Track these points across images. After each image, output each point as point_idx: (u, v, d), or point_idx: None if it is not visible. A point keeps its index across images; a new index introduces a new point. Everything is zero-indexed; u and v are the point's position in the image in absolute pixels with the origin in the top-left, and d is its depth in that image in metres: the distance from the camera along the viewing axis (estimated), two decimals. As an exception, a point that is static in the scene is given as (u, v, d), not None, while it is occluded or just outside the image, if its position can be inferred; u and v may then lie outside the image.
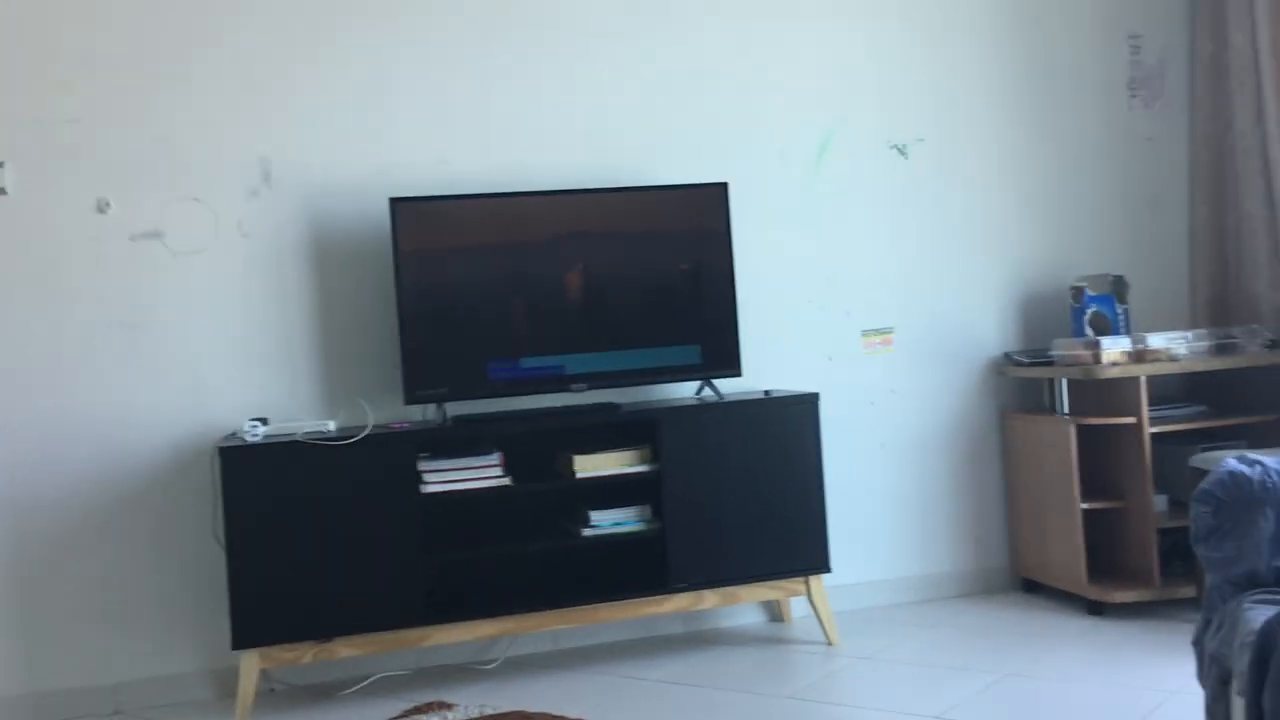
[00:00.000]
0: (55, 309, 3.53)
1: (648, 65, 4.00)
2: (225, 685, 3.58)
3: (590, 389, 3.71)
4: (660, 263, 3.76)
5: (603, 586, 3.61)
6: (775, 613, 4.07)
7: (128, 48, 3.59)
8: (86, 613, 3.53)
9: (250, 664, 3.31)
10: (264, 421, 3.47)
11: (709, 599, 3.66)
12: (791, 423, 3.70)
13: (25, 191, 3.52)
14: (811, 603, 3.74)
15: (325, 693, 3.58)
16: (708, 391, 3.84)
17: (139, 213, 3.60)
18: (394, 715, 3.25)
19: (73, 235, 3.55)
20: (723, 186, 3.81)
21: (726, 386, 3.88)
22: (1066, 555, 3.94)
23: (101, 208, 3.57)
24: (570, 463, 3.56)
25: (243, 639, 3.29)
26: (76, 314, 3.55)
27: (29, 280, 3.52)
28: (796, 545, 3.69)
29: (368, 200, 3.73)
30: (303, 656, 3.36)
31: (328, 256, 3.74)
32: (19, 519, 3.49)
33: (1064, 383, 4.03)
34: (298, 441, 3.34)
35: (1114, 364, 3.85)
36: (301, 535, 3.32)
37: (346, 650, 3.39)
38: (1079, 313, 4.14)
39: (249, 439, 3.38)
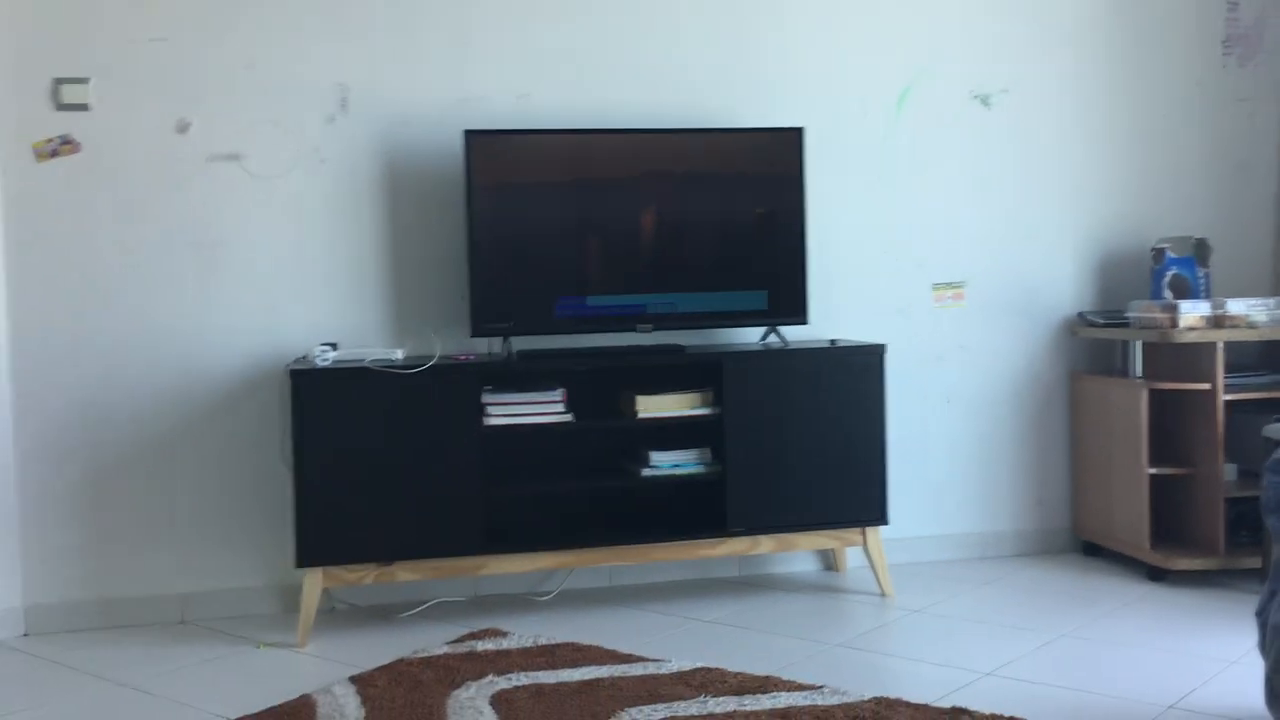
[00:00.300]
0: (132, 226, 3.59)
1: (730, 7, 3.94)
2: (288, 601, 3.67)
3: (656, 330, 3.71)
4: (733, 206, 3.73)
5: (660, 527, 3.63)
6: (830, 562, 4.07)
7: (213, -31, 3.62)
8: (156, 525, 3.63)
9: (313, 582, 3.39)
10: (334, 346, 3.52)
11: (765, 544, 3.67)
12: (856, 373, 3.67)
13: (108, 108, 3.57)
14: (867, 554, 3.73)
15: (384, 614, 3.65)
16: (773, 338, 3.82)
17: (218, 134, 3.64)
18: (450, 639, 3.32)
19: (153, 154, 3.60)
20: (799, 131, 3.76)
21: (793, 334, 3.86)
22: (1130, 519, 3.89)
23: (182, 128, 3.62)
24: (633, 402, 3.57)
25: (307, 558, 3.36)
26: (153, 232, 3.61)
27: (108, 196, 3.58)
28: (855, 496, 3.68)
29: (444, 132, 3.74)
30: (364, 578, 3.42)
31: (402, 186, 3.76)
32: (93, 432, 3.59)
33: (1138, 345, 3.95)
34: (366, 368, 3.38)
35: (1191, 328, 3.77)
36: (366, 460, 3.37)
37: (406, 574, 3.45)
38: (1159, 274, 4.05)
39: (319, 363, 3.43)
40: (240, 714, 2.81)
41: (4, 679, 3.20)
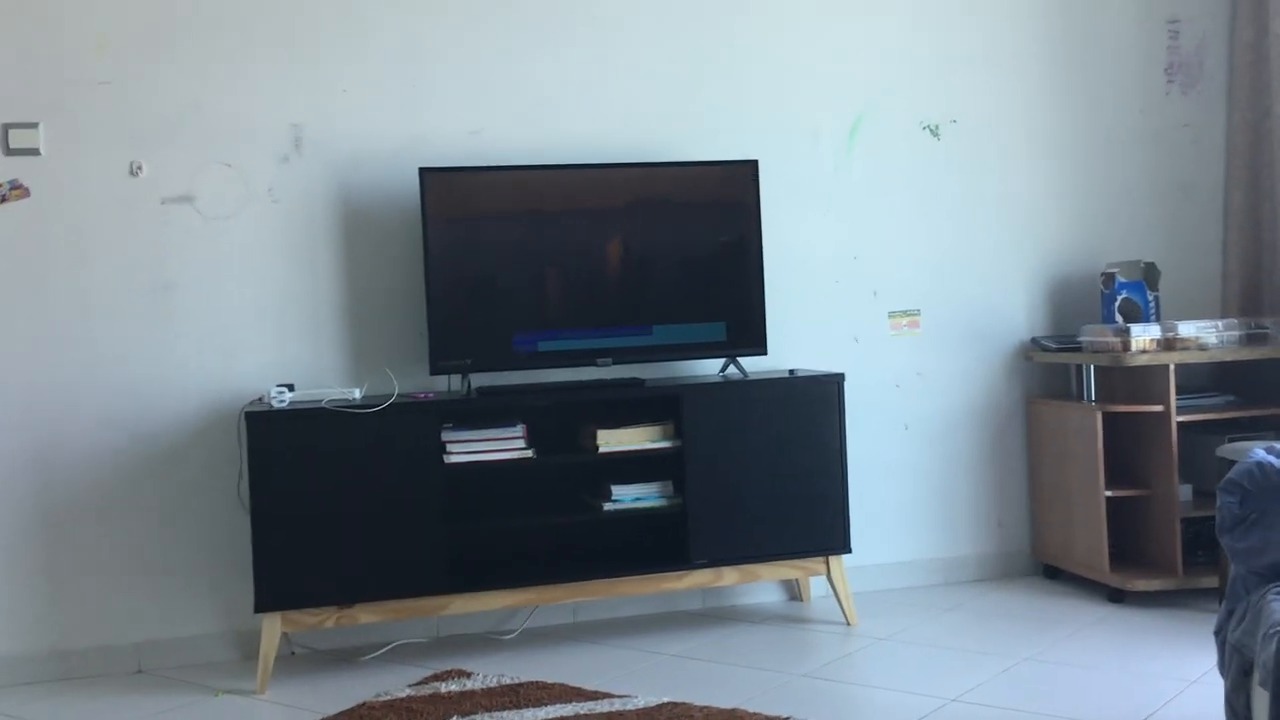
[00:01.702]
0: (85, 271, 3.56)
1: (681, 43, 3.98)
2: (247, 647, 3.62)
3: (615, 364, 3.71)
4: (689, 239, 3.75)
5: (623, 561, 3.62)
6: (794, 592, 4.07)
7: (162, 12, 3.60)
8: (112, 573, 3.57)
9: (272, 627, 3.34)
10: (290, 388, 3.49)
11: (729, 576, 3.66)
12: (816, 402, 3.69)
13: (58, 153, 3.54)
14: (831, 583, 3.74)
15: (346, 657, 3.61)
16: (733, 369, 3.84)
17: (170, 176, 3.62)
18: (413, 681, 3.28)
19: (104, 198, 3.57)
20: (753, 164, 3.80)
21: (752, 365, 3.87)
22: (1089, 542, 3.92)
23: (134, 171, 3.59)
24: (594, 437, 3.57)
25: (265, 602, 3.32)
26: (106, 276, 3.57)
27: (61, 241, 3.54)
28: (818, 525, 3.68)
29: (398, 170, 3.74)
30: (324, 621, 3.39)
31: (357, 225, 3.75)
32: (46, 479, 3.53)
33: (1091, 369, 4.00)
34: (323, 408, 3.36)
35: (1143, 351, 3.82)
36: (325, 501, 3.34)
37: (368, 616, 3.41)
38: (1109, 299, 4.11)
39: (275, 405, 3.40)
40: (200, 764, 2.76)
41: (-44, 735, 3.14)
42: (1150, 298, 4.09)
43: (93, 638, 3.56)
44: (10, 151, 3.50)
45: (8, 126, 3.50)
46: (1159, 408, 3.80)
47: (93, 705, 3.27)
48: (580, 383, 3.69)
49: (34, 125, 3.51)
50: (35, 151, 3.52)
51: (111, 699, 3.32)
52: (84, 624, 3.55)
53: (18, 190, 3.51)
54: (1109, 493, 3.85)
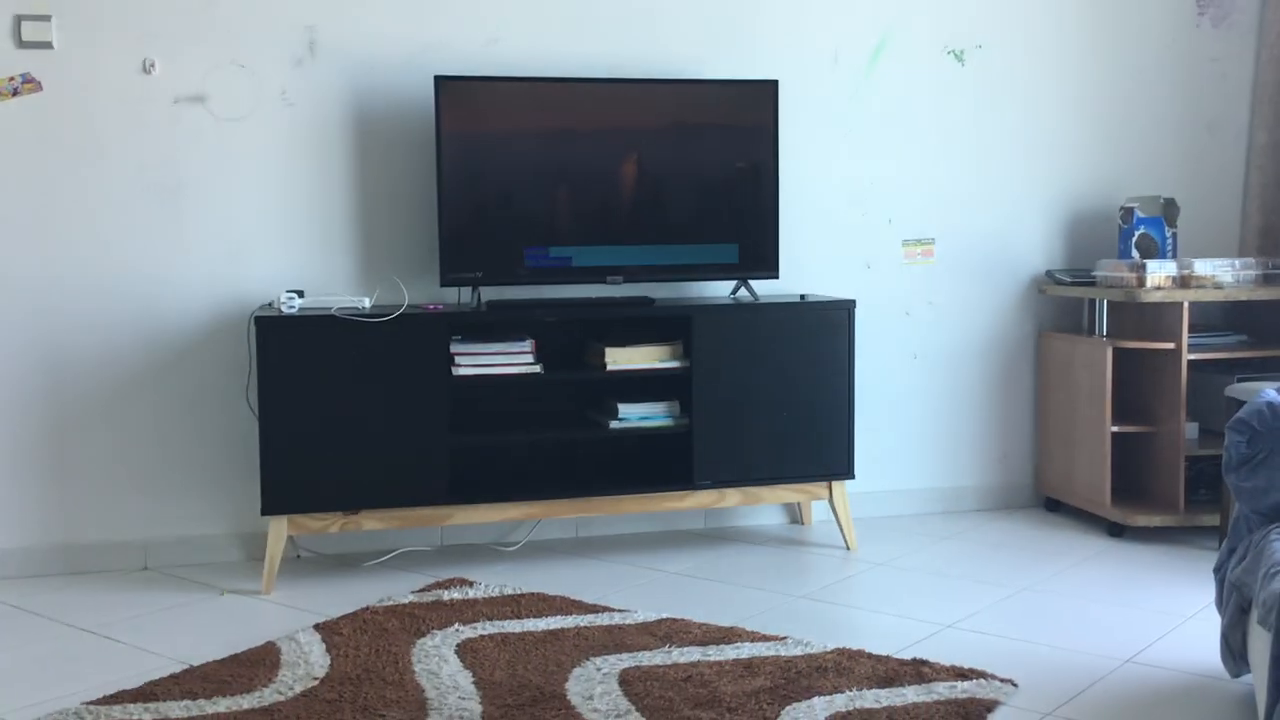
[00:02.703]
0: (95, 168, 3.53)
1: (704, -47, 3.90)
2: (253, 549, 3.66)
3: (626, 282, 3.70)
4: (704, 159, 3.71)
5: (627, 479, 3.64)
6: (796, 515, 4.10)
7: (177, -94, 3.54)
8: (120, 471, 3.60)
9: (278, 530, 3.38)
10: (300, 294, 3.48)
11: (731, 497, 3.68)
12: (825, 328, 3.68)
13: (71, 47, 3.49)
14: (833, 508, 3.76)
15: (350, 562, 3.65)
16: (744, 292, 3.82)
17: (183, 76, 3.58)
18: (416, 589, 3.32)
19: (116, 94, 3.53)
20: (773, 84, 3.74)
21: (763, 288, 3.86)
22: (1092, 476, 3.93)
23: (146, 68, 3.55)
24: (601, 354, 3.57)
25: (272, 505, 3.35)
26: (116, 174, 3.55)
27: (71, 138, 3.51)
28: (822, 450, 3.69)
29: (413, 77, 3.69)
30: (329, 526, 3.42)
31: (370, 131, 3.71)
32: (57, 378, 3.54)
33: (1104, 304, 3.98)
34: (333, 316, 3.35)
35: (1157, 288, 3.80)
36: (333, 409, 3.35)
37: (372, 523, 3.44)
38: (1127, 234, 4.07)
39: (285, 310, 3.39)
40: (203, 660, 2.80)
41: (-35, 624, 3.19)
42: (1168, 234, 4.05)
43: (100, 533, 3.60)
44: (22, 44, 3.46)
45: (20, 18, 3.45)
46: (1170, 345, 3.79)
47: (99, 599, 3.32)
48: (590, 300, 3.68)
49: (47, 18, 3.46)
50: (48, 45, 3.47)
51: (117, 594, 3.37)
52: (92, 520, 3.59)
53: (30, 84, 3.47)
54: (1115, 428, 3.85)
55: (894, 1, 4.06)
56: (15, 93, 3.46)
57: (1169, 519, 3.79)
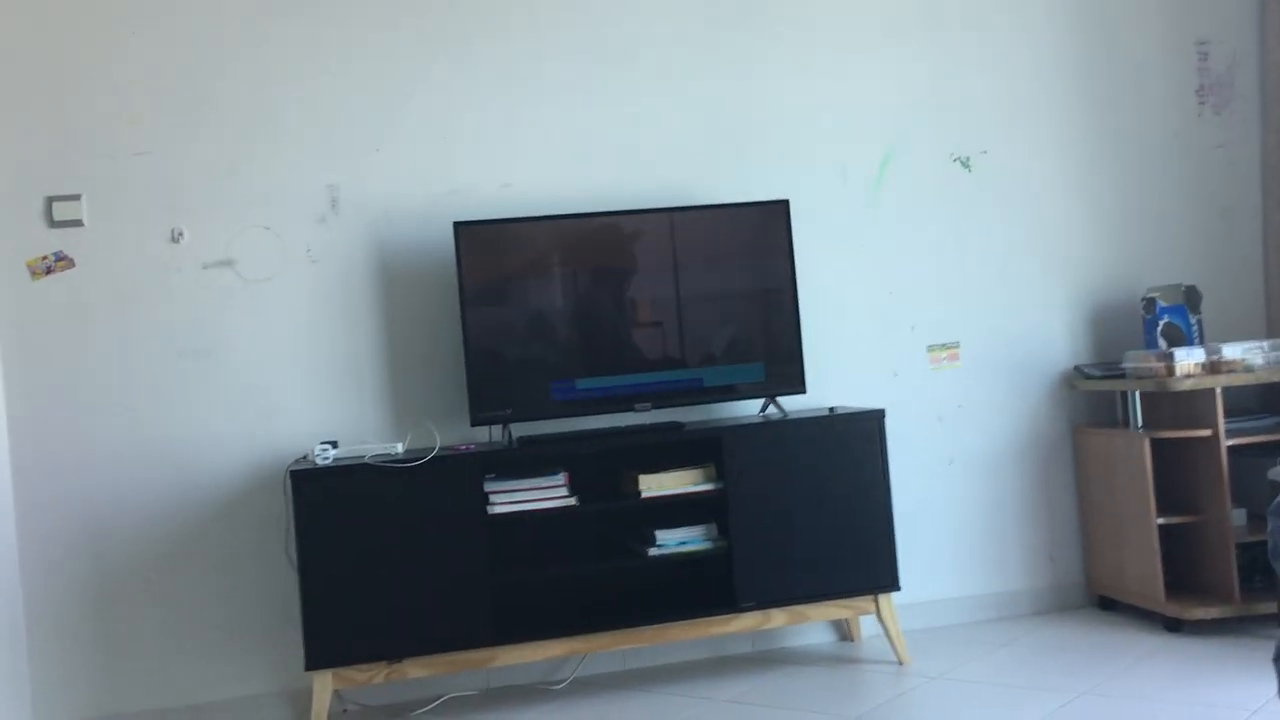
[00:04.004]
0: (129, 337, 3.62)
1: (709, 87, 4.01)
2: (300, 706, 3.63)
3: (654, 408, 3.71)
4: (723, 281, 3.76)
5: (670, 606, 3.61)
6: (845, 632, 4.03)
7: (197, 82, 3.68)
8: (164, 636, 3.60)
9: (323, 685, 3.35)
10: (334, 445, 3.52)
11: (777, 618, 3.64)
12: (858, 439, 3.67)
13: (101, 223, 3.61)
14: (881, 621, 3.70)
15: (397, 713, 3.61)
16: (773, 409, 3.83)
17: (211, 242, 3.68)
18: (464, 735, 3.28)
19: (147, 265, 3.64)
20: (784, 204, 3.81)
21: (791, 404, 3.86)
22: (1143, 571, 3.86)
23: (175, 237, 3.66)
24: (635, 482, 3.57)
25: (315, 660, 3.33)
26: (150, 342, 3.63)
27: (104, 310, 3.61)
28: (865, 563, 3.65)
29: (433, 224, 3.78)
30: (375, 677, 3.39)
31: (394, 280, 3.79)
32: (96, 545, 3.58)
33: (1137, 395, 3.95)
34: (367, 464, 3.38)
35: (1188, 375, 3.78)
36: (372, 557, 3.36)
37: (417, 671, 3.42)
38: (1151, 324, 4.06)
39: (319, 462, 3.43)
40: (254, 824, 2.76)
41: (15, 802, 3.16)
42: (1193, 321, 4.04)
43: (148, 702, 3.58)
44: (54, 224, 3.58)
45: (51, 200, 3.58)
46: (1207, 432, 3.75)
47: (148, 768, 3.29)
48: (620, 429, 3.69)
49: (76, 197, 3.59)
50: (79, 223, 3.59)
51: (166, 761, 3.34)
52: (139, 689, 3.58)
53: (63, 261, 3.58)
54: (1161, 520, 3.79)
55: (895, 116, 4.15)
56: (49, 271, 3.57)
57: (1225, 610, 3.70)
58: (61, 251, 3.59)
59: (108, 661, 3.57)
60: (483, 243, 3.63)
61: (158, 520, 3.61)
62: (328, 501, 3.35)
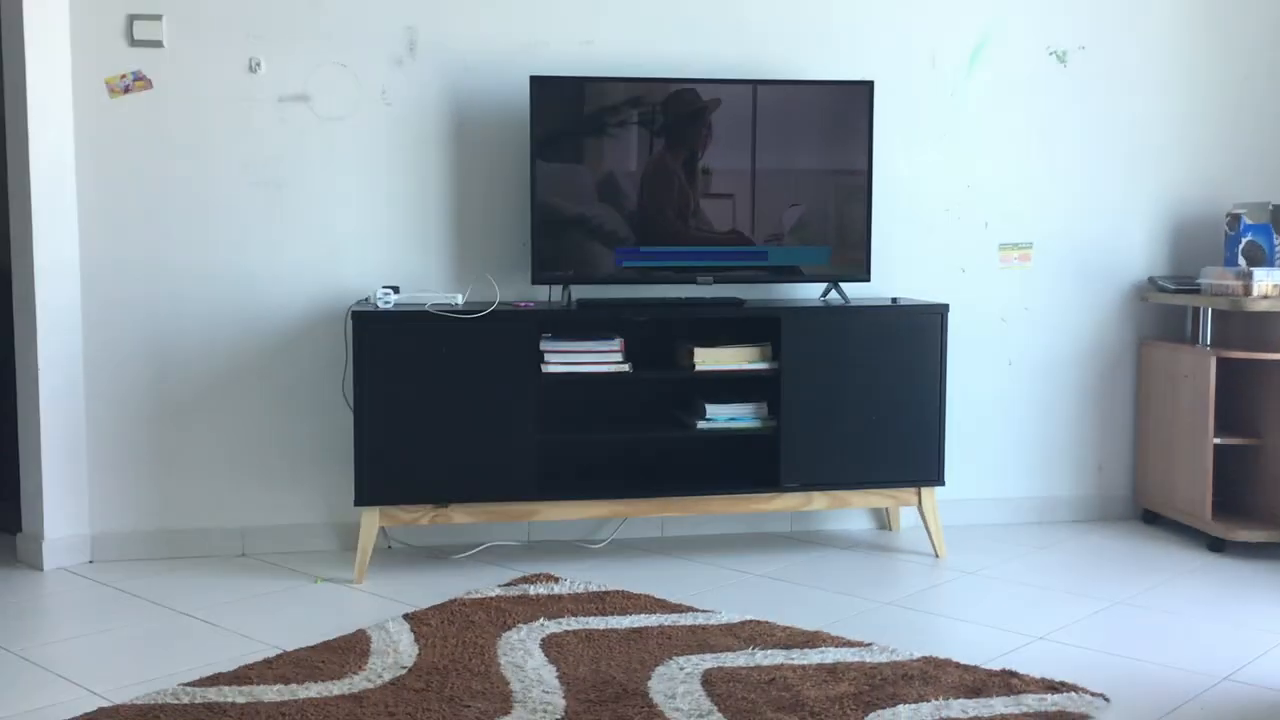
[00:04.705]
0: (202, 164, 3.64)
1: (801, -46, 3.88)
2: (346, 539, 3.73)
3: (716, 283, 3.69)
4: (798, 160, 3.70)
5: (714, 479, 3.64)
6: (884, 521, 4.06)
7: (285, -91, 3.62)
8: (220, 459, 3.70)
9: (370, 521, 3.44)
10: (396, 290, 3.54)
11: (818, 500, 3.66)
12: (918, 333, 3.64)
13: (180, 46, 3.60)
14: (921, 514, 3.72)
15: (439, 554, 3.70)
16: (835, 294, 3.79)
17: (288, 75, 3.66)
18: (503, 582, 3.36)
19: (223, 92, 3.63)
20: (868, 85, 3.71)
21: (854, 291, 3.82)
22: (1192, 489, 3.83)
23: (253, 67, 3.64)
24: (690, 354, 3.57)
25: (365, 497, 3.41)
26: (222, 170, 3.65)
27: (179, 134, 3.62)
28: (911, 456, 3.65)
29: (510, 76, 3.73)
30: (420, 518, 3.47)
31: (467, 131, 3.76)
32: (161, 366, 3.65)
33: (1209, 312, 3.87)
34: (427, 312, 3.41)
35: (1265, 296, 3.68)
36: (425, 403, 3.40)
37: (461, 517, 3.49)
38: (1233, 241, 3.96)
39: (380, 306, 3.46)
40: (296, 645, 2.86)
41: (70, 604, 3.30)
42: (1276, 241, 3.93)
43: (200, 520, 3.70)
44: (135, 42, 3.57)
45: (133, 17, 3.56)
46: (1277, 356, 3.67)
47: (197, 583, 3.42)
48: (680, 300, 3.68)
49: (158, 17, 3.57)
50: (159, 44, 3.58)
51: (215, 579, 3.46)
52: (192, 507, 3.69)
53: (141, 81, 3.58)
54: (1218, 440, 3.75)
55: (993, 2, 4.00)
56: (127, 89, 3.58)
57: (1272, 534, 3.68)
58: (140, 71, 3.58)
59: (164, 479, 3.67)
60: (559, 100, 3.58)
61: (219, 345, 3.67)
62: (386, 345, 3.39)
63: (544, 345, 3.49)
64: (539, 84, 3.55)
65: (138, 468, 3.66)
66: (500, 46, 3.74)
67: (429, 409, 3.41)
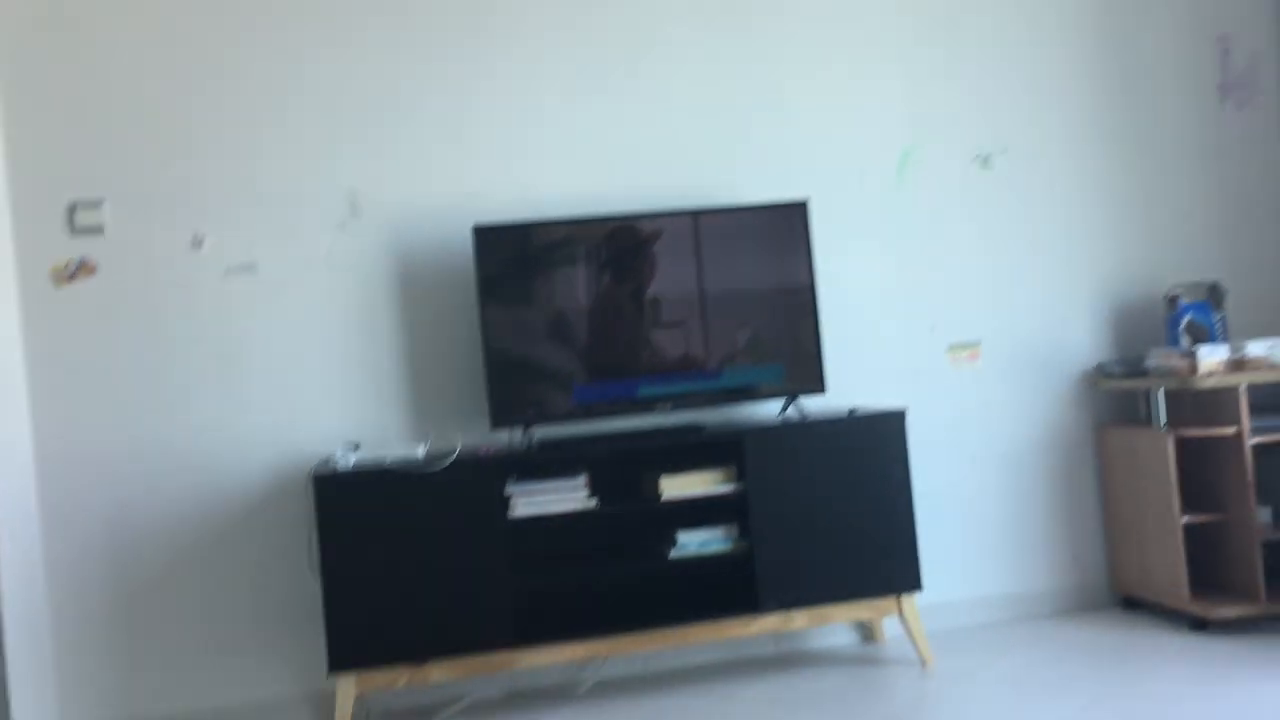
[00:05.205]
0: (152, 342, 3.64)
1: (727, 86, 4.00)
2: (323, 709, 3.64)
3: (675, 409, 3.71)
4: (742, 282, 3.76)
5: (692, 608, 3.60)
6: (867, 632, 4.02)
7: (218, 87, 3.70)
8: (188, 638, 3.62)
9: (346, 688, 3.36)
10: (356, 448, 3.53)
11: (799, 619, 3.63)
12: (879, 440, 3.66)
13: (123, 229, 3.64)
14: (904, 622, 3.69)
15: (421, 715, 3.62)
16: (793, 410, 3.82)
17: (232, 246, 3.70)
18: (487, 738, 3.28)
19: (169, 270, 3.66)
20: (803, 204, 3.80)
21: (812, 404, 3.85)
22: (1167, 570, 3.84)
23: (196, 243, 3.68)
24: (656, 484, 3.56)
25: (338, 663, 3.34)
26: (173, 347, 3.65)
27: (127, 315, 3.63)
28: (887, 563, 3.64)
29: (452, 228, 3.79)
30: (397, 680, 3.40)
31: (414, 284, 3.80)
32: (122, 548, 3.60)
33: (1160, 393, 3.93)
34: (388, 468, 3.39)
35: (1212, 373, 3.75)
36: (394, 560, 3.37)
37: (440, 673, 3.42)
38: (1174, 321, 4.04)
39: (341, 465, 3.44)
40: (279, 827, 2.77)
41: (42, 805, 3.18)
42: (1216, 318, 4.01)
43: (171, 703, 3.60)
44: (77, 230, 3.60)
45: (74, 206, 3.60)
46: (1232, 430, 3.72)
47: (174, 771, 3.31)
48: (640, 430, 3.69)
49: (99, 203, 3.61)
50: (100, 229, 3.62)
51: (192, 764, 3.36)
52: (163, 690, 3.60)
53: (85, 267, 3.61)
54: (1186, 519, 3.77)
55: (915, 115, 4.13)
56: (72, 277, 3.60)
57: (1251, 609, 3.68)
58: (84, 258, 3.61)
59: (133, 663, 3.59)
60: (501, 245, 3.63)
61: (181, 522, 3.63)
62: (350, 505, 3.36)
63: (509, 490, 3.47)
64: (481, 233, 3.61)
65: (105, 655, 3.58)
66: (441, 199, 3.81)
67: (398, 565, 3.37)
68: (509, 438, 3.73)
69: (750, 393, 3.78)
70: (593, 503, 3.52)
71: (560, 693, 3.71)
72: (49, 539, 3.56)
